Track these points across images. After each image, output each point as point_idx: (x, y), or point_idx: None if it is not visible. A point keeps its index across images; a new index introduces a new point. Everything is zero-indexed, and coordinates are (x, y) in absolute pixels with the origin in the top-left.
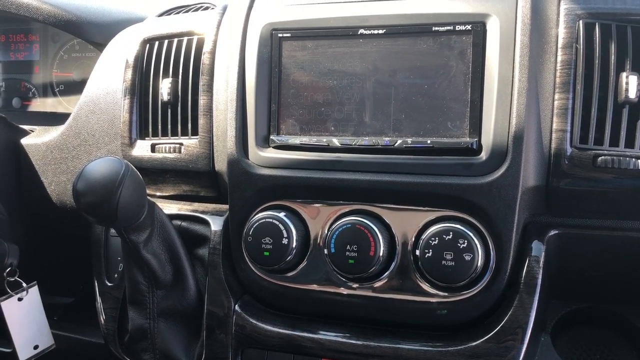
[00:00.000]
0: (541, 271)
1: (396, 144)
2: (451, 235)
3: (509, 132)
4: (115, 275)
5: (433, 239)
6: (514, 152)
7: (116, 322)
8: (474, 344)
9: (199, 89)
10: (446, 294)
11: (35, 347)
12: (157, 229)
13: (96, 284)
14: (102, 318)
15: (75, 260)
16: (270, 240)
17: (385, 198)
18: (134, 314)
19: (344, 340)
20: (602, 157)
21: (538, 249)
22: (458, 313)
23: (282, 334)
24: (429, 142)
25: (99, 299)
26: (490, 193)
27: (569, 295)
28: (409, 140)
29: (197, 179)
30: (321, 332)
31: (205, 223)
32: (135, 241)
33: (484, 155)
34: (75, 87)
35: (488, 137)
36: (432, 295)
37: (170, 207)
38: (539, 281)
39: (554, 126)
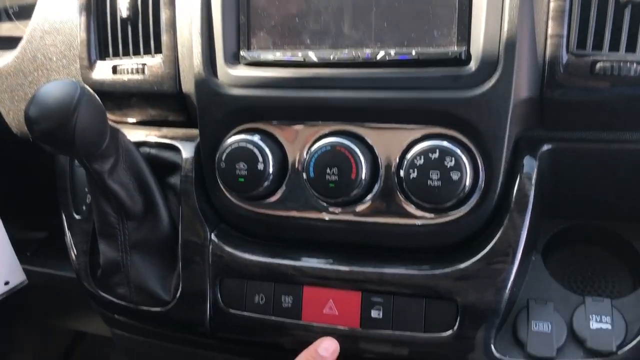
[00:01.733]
0: (533, 189)
1: (378, 57)
2: (437, 154)
3: (500, 39)
4: (84, 208)
5: (418, 158)
6: (505, 60)
7: (87, 256)
8: (462, 266)
9: (160, 2)
10: (432, 215)
11: (7, 284)
12: (123, 157)
13: (64, 217)
14: (72, 253)
15: (45, 194)
16: (244, 166)
17: (367, 116)
18: (104, 247)
19: (327, 266)
20: (601, 63)
21: (530, 165)
22: (445, 235)
23: (262, 263)
24: (413, 52)
25: (67, 233)
26: (480, 106)
27: (561, 213)
28: (392, 51)
29: (164, 102)
30: (303, 259)
31: (176, 150)
32: (99, 170)
33: (473, 66)
34: (31, 9)
35: (477, 45)
36: (418, 218)
37: (137, 134)
38: (531, 199)
39: (549, 31)
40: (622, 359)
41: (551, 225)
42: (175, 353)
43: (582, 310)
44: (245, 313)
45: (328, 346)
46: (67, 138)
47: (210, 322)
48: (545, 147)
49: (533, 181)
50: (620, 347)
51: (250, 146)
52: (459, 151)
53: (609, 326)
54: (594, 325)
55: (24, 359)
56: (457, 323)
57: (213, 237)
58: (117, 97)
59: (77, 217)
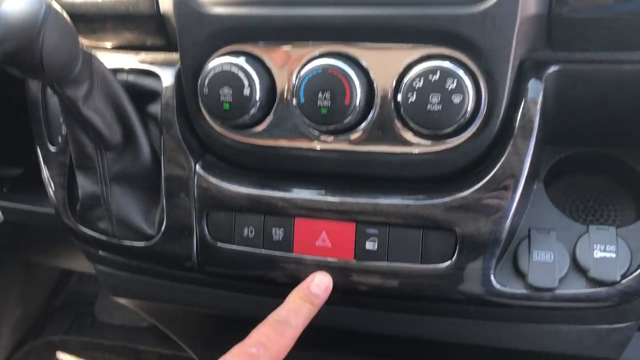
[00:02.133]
0: (538, 113)
1: None
2: (438, 75)
3: None
4: (59, 139)
5: (417, 80)
6: None
7: (65, 190)
8: (462, 195)
9: None
10: (429, 142)
11: None
12: (98, 83)
13: (39, 150)
14: (50, 187)
15: (19, 126)
16: (229, 91)
17: (361, 36)
18: (83, 180)
19: (319, 197)
20: None
21: (535, 88)
22: (444, 163)
23: (251, 195)
24: None
25: (44, 167)
26: (484, 24)
27: (564, 139)
28: None
29: (141, 24)
30: (294, 190)
31: (155, 76)
32: (72, 97)
33: None
34: None
35: None
36: (415, 145)
37: (112, 59)
38: (536, 124)
39: None
40: (626, 287)
41: (553, 152)
42: (163, 289)
43: (585, 239)
44: (234, 247)
45: (320, 282)
46: (34, 60)
47: (197, 256)
48: (552, 69)
49: (538, 105)
50: (624, 276)
51: (235, 70)
52: (461, 72)
53: (613, 255)
54: (597, 254)
55: (9, 300)
56: (455, 254)
57: (198, 168)
58: (90, 19)
59: (52, 148)
